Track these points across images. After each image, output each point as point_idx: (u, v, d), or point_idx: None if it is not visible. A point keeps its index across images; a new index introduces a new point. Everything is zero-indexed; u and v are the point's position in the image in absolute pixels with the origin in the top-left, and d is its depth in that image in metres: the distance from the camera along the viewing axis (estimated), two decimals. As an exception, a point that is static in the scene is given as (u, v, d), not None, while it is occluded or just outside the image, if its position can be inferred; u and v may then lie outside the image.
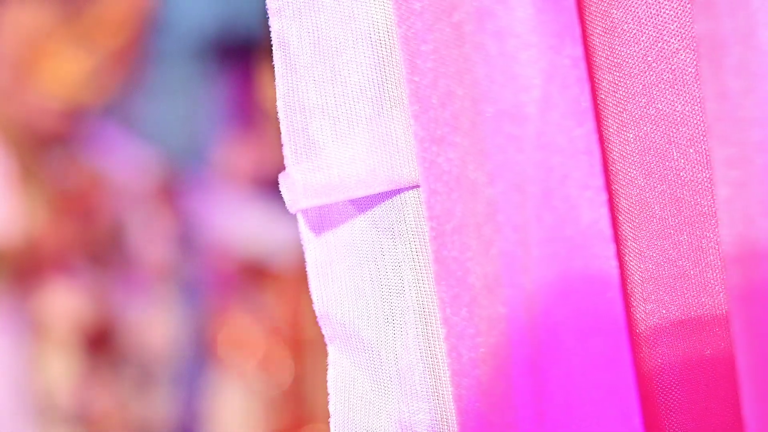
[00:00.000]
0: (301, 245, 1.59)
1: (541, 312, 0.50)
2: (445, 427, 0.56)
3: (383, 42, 0.57)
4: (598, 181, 0.51)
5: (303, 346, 1.72)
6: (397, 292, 0.58)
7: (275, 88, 1.69)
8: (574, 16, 0.52)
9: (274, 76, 1.73)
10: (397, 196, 0.57)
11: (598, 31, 0.57)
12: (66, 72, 1.57)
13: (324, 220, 0.59)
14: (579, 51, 0.52)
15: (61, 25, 1.57)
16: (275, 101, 1.63)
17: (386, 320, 0.58)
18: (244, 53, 3.48)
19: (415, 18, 0.54)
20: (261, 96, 3.45)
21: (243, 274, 2.26)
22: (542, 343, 0.50)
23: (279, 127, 1.69)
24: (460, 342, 0.53)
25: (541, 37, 0.50)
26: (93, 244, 1.68)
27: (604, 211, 0.51)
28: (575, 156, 0.50)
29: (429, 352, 0.57)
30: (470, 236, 0.52)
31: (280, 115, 0.57)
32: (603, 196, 0.52)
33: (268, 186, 2.99)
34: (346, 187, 0.56)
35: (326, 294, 0.59)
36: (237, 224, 1.93)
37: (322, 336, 1.63)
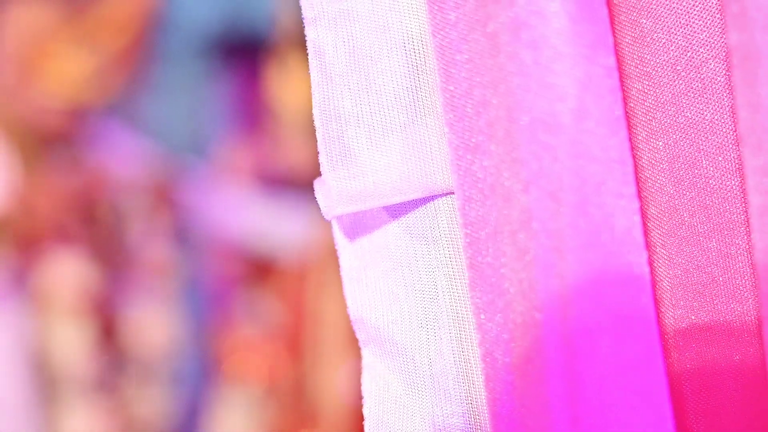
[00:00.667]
0: (304, 243, 1.60)
1: (575, 318, 0.51)
2: (479, 431, 0.57)
3: (417, 51, 0.58)
4: (631, 189, 0.52)
5: (304, 346, 1.73)
6: (431, 297, 0.58)
7: (281, 87, 1.70)
8: (608, 26, 0.53)
9: (279, 75, 1.74)
10: (431, 202, 0.58)
11: (627, 40, 0.58)
12: (69, 71, 1.58)
13: (358, 226, 0.60)
14: (612, 61, 0.53)
15: (65, 24, 1.57)
16: (281, 100, 1.65)
17: (420, 325, 0.58)
18: (248, 52, 3.49)
19: (450, 28, 0.55)
20: (266, 94, 3.47)
21: (246, 273, 2.27)
22: (577, 348, 0.51)
23: (284, 126, 1.70)
24: (494, 347, 0.54)
25: (575, 48, 0.51)
26: (95, 242, 1.69)
27: (637, 219, 0.52)
28: (609, 164, 0.51)
29: (462, 357, 0.58)
30: (505, 243, 0.53)
31: (316, 123, 0.58)
32: (636, 204, 0.53)
33: (273, 184, 3.00)
34: (381, 193, 0.57)
35: (360, 299, 0.60)
36: (241, 222, 1.94)
37: (324, 335, 1.64)
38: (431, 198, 0.58)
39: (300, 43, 1.68)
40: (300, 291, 1.74)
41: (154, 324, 1.85)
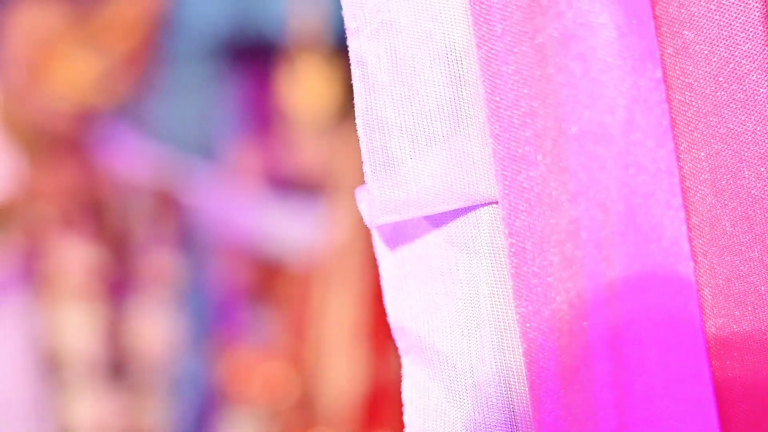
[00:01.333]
0: (311, 246, 1.60)
1: (624, 327, 0.52)
2: (522, 439, 0.57)
3: (460, 62, 0.58)
4: (678, 199, 0.53)
5: (311, 349, 1.73)
6: (472, 306, 0.59)
7: (291, 89, 1.70)
8: (655, 39, 0.53)
9: (289, 77, 1.74)
10: (473, 212, 0.59)
11: (669, 51, 0.58)
12: (77, 74, 1.58)
13: (398, 235, 0.60)
14: (660, 73, 0.53)
15: (73, 26, 1.57)
16: (291, 102, 1.65)
17: (462, 334, 0.59)
18: (257, 54, 3.49)
19: (496, 40, 0.55)
20: (274, 97, 3.46)
21: (252, 278, 2.27)
22: (625, 357, 0.52)
23: (293, 128, 1.70)
24: (539, 356, 0.54)
25: (624, 60, 0.52)
26: (101, 240, 1.69)
27: (683, 229, 0.53)
28: (658, 175, 0.52)
29: (504, 365, 0.58)
30: (552, 252, 0.53)
31: (360, 133, 0.58)
32: (682, 214, 0.53)
33: (281, 187, 3.00)
34: (424, 203, 0.58)
35: (401, 307, 0.60)
36: (248, 225, 1.94)
37: (331, 337, 1.64)
38: (473, 207, 0.59)
39: (311, 45, 1.68)
40: (306, 295, 1.74)
41: (157, 331, 1.85)
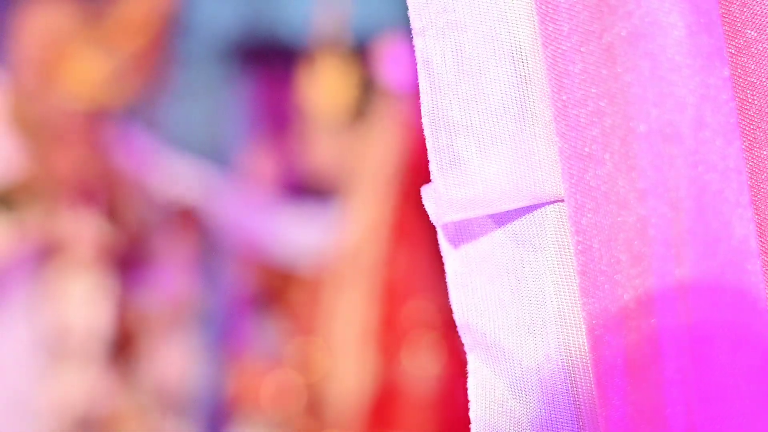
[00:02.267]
0: (324, 249, 1.60)
1: (694, 324, 0.52)
2: (588, 435, 0.58)
3: (525, 61, 0.59)
4: (746, 197, 0.53)
5: (321, 352, 1.74)
6: (538, 303, 0.59)
7: (306, 90, 1.70)
8: (722, 37, 0.54)
9: (305, 78, 1.74)
10: (538, 210, 0.59)
11: (731, 50, 0.59)
12: (88, 73, 1.59)
13: (462, 232, 0.61)
14: (728, 71, 0.53)
15: (84, 27, 1.59)
16: (306, 102, 1.65)
17: (528, 331, 0.59)
18: (268, 56, 3.50)
19: (563, 39, 0.55)
20: (287, 99, 3.47)
21: (265, 281, 2.27)
22: (695, 354, 0.52)
23: (308, 129, 1.70)
24: (607, 354, 0.54)
25: (693, 59, 0.52)
26: (116, 243, 1.70)
27: (752, 227, 0.53)
28: (727, 173, 0.52)
29: (570, 362, 0.58)
30: (620, 250, 0.54)
31: (426, 132, 0.59)
32: (750, 212, 0.53)
33: (294, 190, 3.00)
34: (490, 201, 0.58)
35: (466, 304, 0.61)
36: (261, 229, 1.95)
37: (341, 339, 1.64)
38: (538, 206, 0.59)
39: (327, 46, 1.69)
40: (316, 298, 1.75)
41: (174, 358, 1.85)
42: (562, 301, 0.59)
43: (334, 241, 1.75)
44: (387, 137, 1.69)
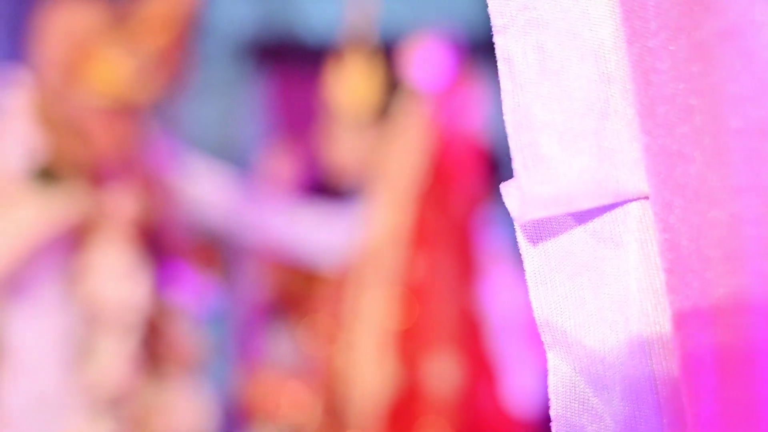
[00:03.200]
0: (346, 249, 1.59)
1: (789, 322, 0.52)
2: (674, 432, 0.58)
3: (607, 58, 0.59)
4: (839, 194, 0.53)
5: (343, 353, 1.73)
6: (620, 300, 0.59)
7: (329, 88, 1.69)
8: (814, 35, 0.54)
9: (328, 76, 1.74)
10: (620, 207, 0.59)
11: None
12: (112, 71, 1.59)
13: (542, 230, 0.61)
14: (820, 69, 0.53)
15: (108, 25, 1.59)
16: (329, 101, 1.64)
17: (610, 328, 0.59)
18: (284, 54, 3.49)
19: (650, 36, 0.55)
20: (303, 96, 3.45)
21: (287, 282, 2.26)
22: (790, 351, 0.52)
23: (331, 128, 1.70)
24: (696, 351, 0.55)
25: (787, 56, 0.52)
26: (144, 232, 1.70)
27: None
28: (821, 171, 0.52)
29: (653, 359, 0.58)
30: (710, 247, 0.54)
31: (508, 130, 0.59)
32: (842, 210, 0.53)
33: (315, 191, 2.99)
34: (573, 199, 0.58)
35: (546, 302, 0.61)
36: (282, 228, 1.94)
37: (362, 341, 1.63)
38: (620, 203, 0.59)
39: (351, 45, 1.68)
40: (339, 298, 1.74)
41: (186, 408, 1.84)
42: (645, 299, 0.59)
43: (355, 242, 1.74)
44: (412, 137, 1.69)
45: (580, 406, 0.60)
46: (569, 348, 0.60)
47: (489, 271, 1.87)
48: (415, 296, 1.64)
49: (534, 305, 0.61)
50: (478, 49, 3.08)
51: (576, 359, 0.60)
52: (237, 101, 3.36)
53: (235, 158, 3.19)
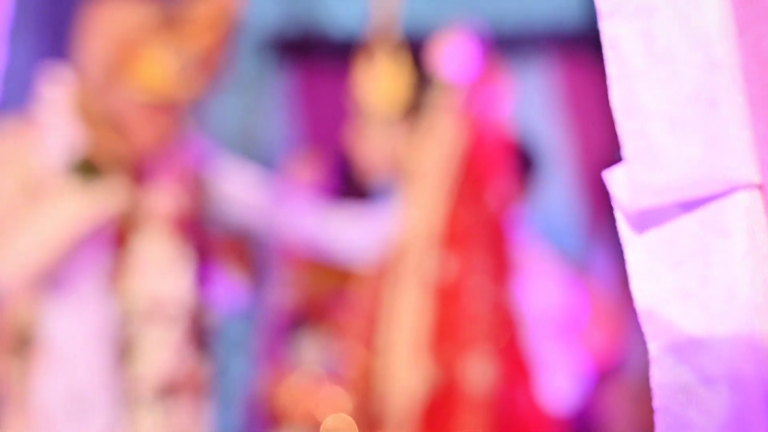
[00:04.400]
0: (379, 248, 1.58)
1: None
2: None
3: (716, 46, 0.58)
4: None
5: (378, 353, 1.72)
6: (727, 290, 0.59)
7: (359, 85, 1.68)
8: None
9: (358, 73, 1.72)
10: (729, 196, 0.58)
11: None
12: (159, 69, 1.59)
13: (646, 219, 0.60)
14: None
15: (157, 23, 1.59)
16: (359, 98, 1.62)
17: (716, 318, 0.59)
18: (308, 50, 3.48)
19: (766, 24, 0.55)
20: (330, 93, 3.44)
21: (318, 277, 2.25)
22: None
23: (361, 125, 1.68)
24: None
25: None
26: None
27: None
28: None
29: (762, 349, 0.58)
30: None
31: (617, 117, 0.58)
32: None
33: (337, 187, 2.97)
34: (682, 187, 0.58)
35: (649, 292, 0.60)
36: (313, 227, 1.93)
37: (398, 342, 1.61)
38: (729, 191, 0.58)
39: (378, 41, 1.68)
40: (374, 297, 1.73)
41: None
42: (754, 287, 0.58)
43: (388, 241, 1.73)
44: (443, 132, 1.67)
45: (686, 398, 0.59)
46: (673, 339, 0.59)
47: (523, 267, 1.86)
48: (449, 295, 1.63)
49: (636, 295, 0.60)
50: (503, 45, 3.08)
51: (680, 350, 0.59)
52: (261, 96, 3.36)
53: (259, 154, 3.18)
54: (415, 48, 1.69)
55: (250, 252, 1.92)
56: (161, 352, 1.61)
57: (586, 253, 2.95)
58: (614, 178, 0.59)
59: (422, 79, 1.68)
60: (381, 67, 1.68)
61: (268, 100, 3.35)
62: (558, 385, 2.09)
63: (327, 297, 2.23)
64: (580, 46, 2.93)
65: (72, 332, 1.59)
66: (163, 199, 1.66)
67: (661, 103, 0.58)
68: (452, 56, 1.67)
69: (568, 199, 3.01)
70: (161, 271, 1.63)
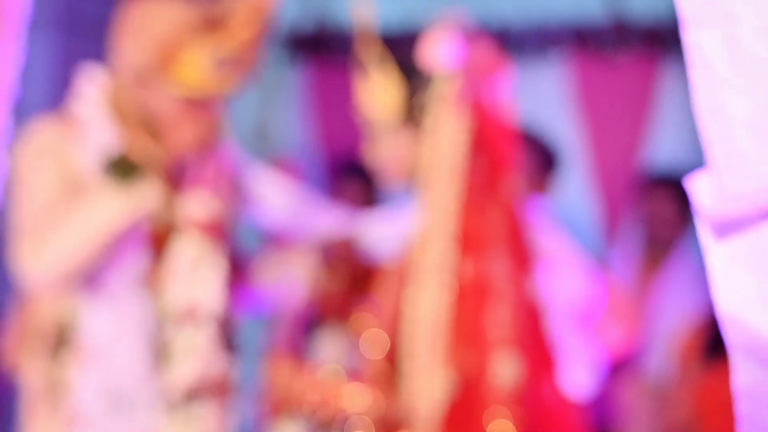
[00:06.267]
0: (397, 245, 1.57)
1: None
2: None
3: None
4: None
5: (400, 357, 1.71)
6: (812, 297, 0.59)
7: (367, 89, 1.67)
8: None
9: (367, 76, 1.69)
10: None
11: None
12: (197, 65, 1.60)
13: (728, 226, 0.60)
14: None
15: (195, 20, 1.60)
16: (368, 101, 1.62)
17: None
18: (321, 44, 3.48)
19: None
20: (338, 87, 3.43)
21: (342, 275, 2.25)
22: None
23: (372, 128, 1.68)
24: None
25: None
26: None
27: None
28: None
29: None
30: None
31: (701, 124, 0.58)
32: None
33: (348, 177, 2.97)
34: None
35: (732, 299, 0.60)
36: (334, 225, 1.93)
37: (418, 338, 1.61)
38: (813, 199, 0.59)
39: (384, 43, 1.67)
40: (394, 294, 1.72)
41: None
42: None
43: (407, 240, 1.73)
44: (448, 126, 1.67)
45: (766, 400, 0.59)
46: (757, 346, 0.60)
47: (543, 256, 1.85)
48: (469, 293, 1.63)
49: (718, 302, 0.61)
50: (520, 40, 3.08)
51: (765, 358, 0.60)
52: (275, 91, 3.35)
53: (273, 149, 3.18)
54: (409, 47, 1.68)
55: (278, 251, 1.92)
56: (192, 355, 1.61)
57: (604, 250, 2.95)
58: (696, 185, 0.59)
59: (420, 77, 1.67)
60: (373, 77, 1.68)
61: (282, 96, 3.35)
62: (576, 374, 2.09)
63: (348, 295, 2.23)
64: (599, 42, 2.92)
65: (111, 331, 1.60)
66: (197, 205, 1.66)
67: (745, 111, 0.58)
68: (445, 48, 1.65)
69: (586, 195, 3.01)
70: (193, 275, 1.64)
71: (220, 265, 1.66)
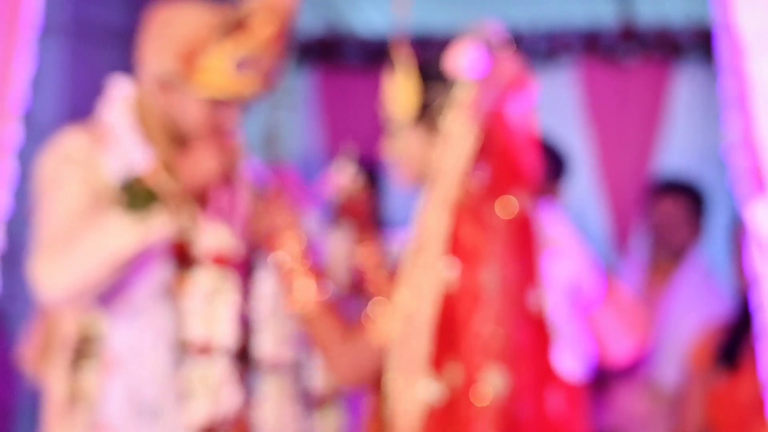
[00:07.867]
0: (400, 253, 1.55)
1: None
2: None
3: None
4: None
5: (393, 363, 1.71)
6: None
7: (390, 95, 1.67)
8: None
9: (368, 73, 1.68)
10: None
11: None
12: (221, 68, 1.60)
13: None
14: None
15: (218, 23, 1.60)
16: (385, 102, 1.62)
17: None
18: (331, 50, 3.47)
19: None
20: (349, 93, 3.42)
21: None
22: None
23: (387, 128, 1.68)
24: None
25: None
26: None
27: None
28: None
29: None
30: None
31: (761, 155, 0.58)
32: None
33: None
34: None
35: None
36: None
37: (412, 345, 1.58)
38: None
39: (400, 47, 1.67)
40: (389, 295, 1.72)
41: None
42: None
43: (407, 246, 1.72)
44: (463, 133, 1.66)
45: None
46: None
47: (550, 248, 1.84)
48: (461, 301, 1.62)
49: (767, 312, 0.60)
50: (533, 47, 3.06)
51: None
52: (286, 96, 3.35)
53: (282, 153, 3.18)
54: (432, 52, 1.68)
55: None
56: (206, 391, 1.61)
57: (614, 257, 2.94)
58: (754, 212, 0.59)
59: (443, 82, 1.67)
60: (398, 76, 1.68)
61: (290, 100, 3.35)
62: (567, 359, 2.07)
63: (344, 301, 2.22)
64: (609, 48, 2.91)
65: (135, 342, 1.60)
66: (211, 237, 1.66)
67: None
68: (470, 56, 1.66)
69: (595, 202, 3.00)
70: (208, 308, 1.63)
71: (234, 299, 1.66)
